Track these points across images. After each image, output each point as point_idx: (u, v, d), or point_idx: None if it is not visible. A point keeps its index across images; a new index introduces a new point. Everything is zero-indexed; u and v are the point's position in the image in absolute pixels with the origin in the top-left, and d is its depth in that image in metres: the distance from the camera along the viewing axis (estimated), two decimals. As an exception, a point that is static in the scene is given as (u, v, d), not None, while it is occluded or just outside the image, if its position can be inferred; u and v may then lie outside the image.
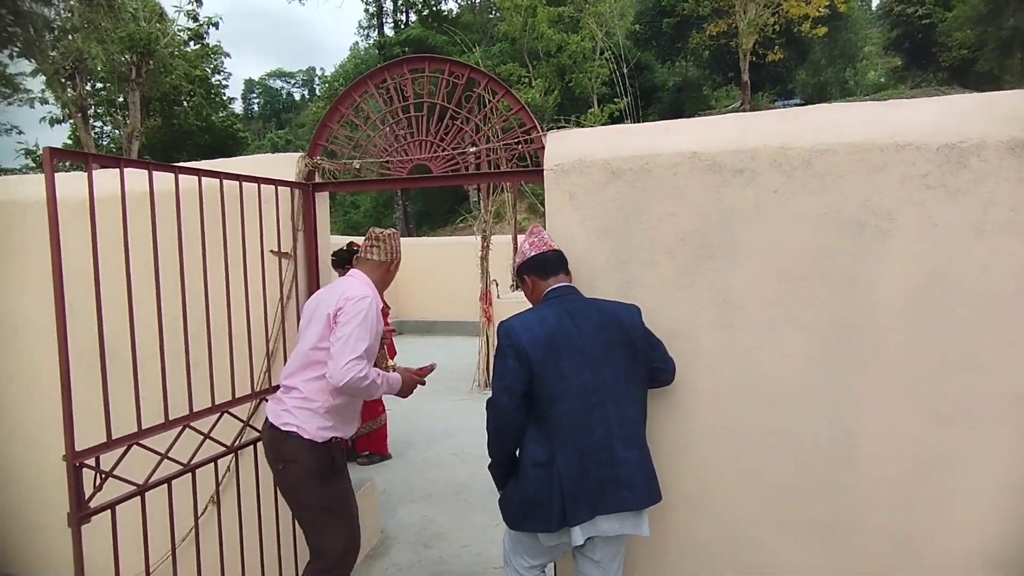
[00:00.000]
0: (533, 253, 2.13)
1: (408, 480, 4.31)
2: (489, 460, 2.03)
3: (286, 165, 2.76)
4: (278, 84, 49.72)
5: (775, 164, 2.10)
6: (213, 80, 22.17)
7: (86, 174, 1.81)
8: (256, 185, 2.49)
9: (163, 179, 2.09)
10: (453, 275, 9.90)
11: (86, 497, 1.79)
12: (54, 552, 2.96)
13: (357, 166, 2.69)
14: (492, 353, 6.82)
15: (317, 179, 2.80)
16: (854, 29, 25.09)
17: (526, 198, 10.38)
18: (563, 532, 1.86)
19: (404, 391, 2.39)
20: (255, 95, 48.62)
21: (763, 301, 2.12)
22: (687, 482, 2.23)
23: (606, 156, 2.27)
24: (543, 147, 2.42)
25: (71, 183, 2.62)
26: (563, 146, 2.37)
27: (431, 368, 2.56)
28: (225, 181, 2.30)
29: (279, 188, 2.61)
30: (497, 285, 7.13)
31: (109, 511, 1.88)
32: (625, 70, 15.58)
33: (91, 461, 1.81)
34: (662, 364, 2.08)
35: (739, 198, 2.13)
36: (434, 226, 22.95)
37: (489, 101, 2.59)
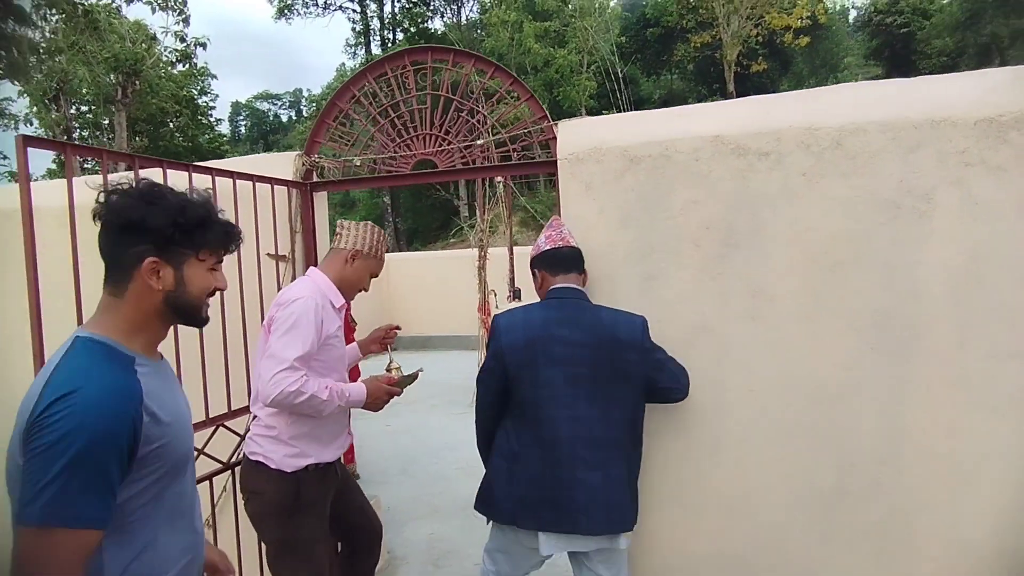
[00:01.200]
0: (548, 247, 2.00)
1: (413, 496, 4.11)
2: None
3: (283, 164, 2.63)
4: (265, 106, 49.62)
5: (803, 145, 1.99)
6: (200, 101, 22.09)
7: (64, 181, 1.69)
8: (252, 185, 2.35)
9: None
10: (448, 289, 9.72)
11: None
12: None
13: (358, 163, 2.55)
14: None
15: (315, 179, 2.66)
16: (835, 39, 25.47)
17: (519, 208, 10.28)
18: (531, 537, 1.81)
19: (372, 404, 1.98)
20: (242, 117, 48.46)
21: (796, 290, 2.00)
22: (720, 487, 2.08)
23: (623, 143, 2.15)
24: (554, 137, 2.31)
25: (49, 191, 2.47)
26: (577, 134, 2.25)
27: (414, 376, 2.17)
28: (219, 180, 2.16)
29: (276, 188, 2.47)
30: (495, 295, 6.99)
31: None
32: (615, 82, 15.66)
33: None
34: (670, 383, 1.91)
35: (766, 182, 2.02)
36: (425, 242, 22.79)
37: (496, 92, 2.47)
